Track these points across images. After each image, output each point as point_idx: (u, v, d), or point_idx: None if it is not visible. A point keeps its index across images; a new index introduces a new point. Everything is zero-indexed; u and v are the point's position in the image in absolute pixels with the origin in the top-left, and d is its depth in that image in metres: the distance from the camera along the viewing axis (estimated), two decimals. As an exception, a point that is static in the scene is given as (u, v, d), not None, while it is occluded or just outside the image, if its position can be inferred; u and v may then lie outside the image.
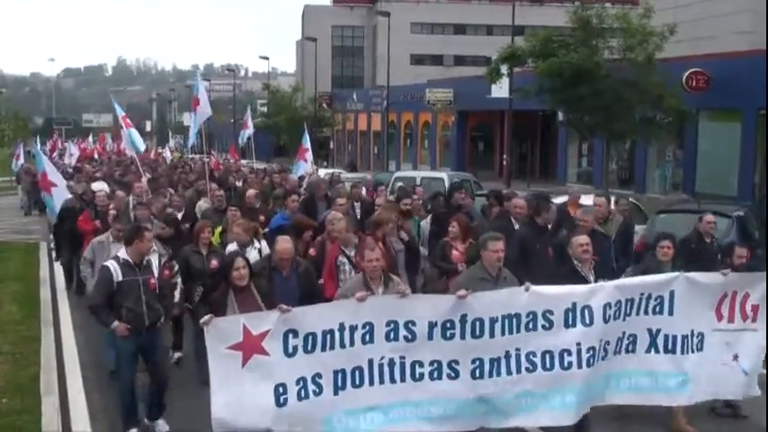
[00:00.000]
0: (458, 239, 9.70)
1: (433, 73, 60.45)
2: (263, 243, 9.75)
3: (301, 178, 19.50)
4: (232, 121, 74.57)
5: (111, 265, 7.56)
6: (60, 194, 15.46)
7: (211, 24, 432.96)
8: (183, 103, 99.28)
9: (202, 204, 14.30)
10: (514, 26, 35.18)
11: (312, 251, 9.43)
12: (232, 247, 9.40)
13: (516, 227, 10.20)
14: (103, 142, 50.79)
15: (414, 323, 6.38)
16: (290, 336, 6.19)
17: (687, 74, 28.68)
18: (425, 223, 11.93)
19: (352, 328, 6.30)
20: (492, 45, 35.98)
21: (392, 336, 6.38)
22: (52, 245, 17.90)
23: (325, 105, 62.01)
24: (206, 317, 6.19)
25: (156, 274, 7.76)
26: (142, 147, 18.91)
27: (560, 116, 31.30)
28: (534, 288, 6.60)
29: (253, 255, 9.13)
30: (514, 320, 6.52)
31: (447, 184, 21.10)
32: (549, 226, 10.00)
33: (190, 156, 40.74)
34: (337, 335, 6.27)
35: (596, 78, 24.92)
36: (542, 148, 47.19)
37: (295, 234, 9.20)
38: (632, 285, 7.06)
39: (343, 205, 11.41)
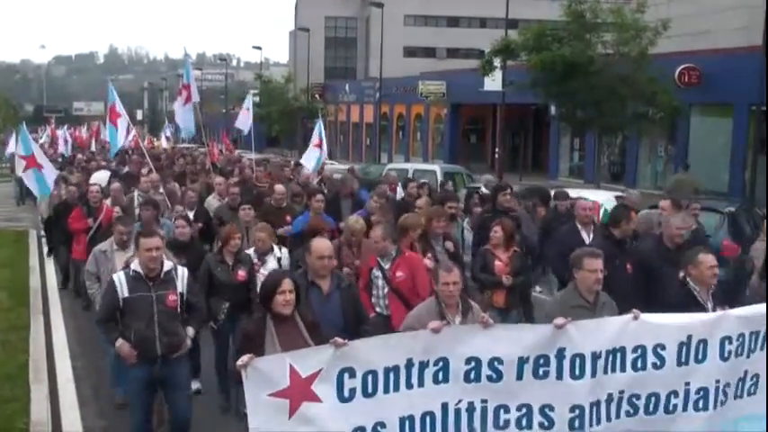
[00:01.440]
0: (500, 247, 8.66)
1: (426, 65, 60.35)
2: (285, 251, 8.80)
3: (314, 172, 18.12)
4: (224, 110, 74.42)
5: (117, 278, 6.43)
6: (49, 175, 13.82)
7: (203, 13, 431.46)
8: (175, 92, 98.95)
9: (212, 201, 12.98)
10: (508, 19, 35.11)
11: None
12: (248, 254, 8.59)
13: (584, 235, 9.11)
14: (98, 131, 49.78)
15: (500, 360, 5.28)
16: (346, 376, 5.03)
17: (680, 69, 28.74)
18: (467, 231, 10.44)
19: (423, 365, 5.19)
20: (485, 38, 35.89)
21: (472, 375, 5.27)
22: (42, 233, 17.37)
23: (317, 96, 61.88)
24: (244, 358, 4.93)
25: (179, 290, 6.45)
26: (115, 148, 16.16)
27: (553, 110, 31.31)
28: (644, 317, 5.53)
29: (271, 265, 8.32)
30: (619, 355, 5.44)
31: (440, 176, 21.14)
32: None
33: (179, 145, 40.48)
34: (404, 373, 5.15)
35: (589, 73, 24.92)
36: (534, 142, 47.23)
37: (307, 239, 8.04)
38: (759, 316, 5.74)
39: (379, 208, 10.46)
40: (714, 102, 29.17)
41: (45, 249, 16.22)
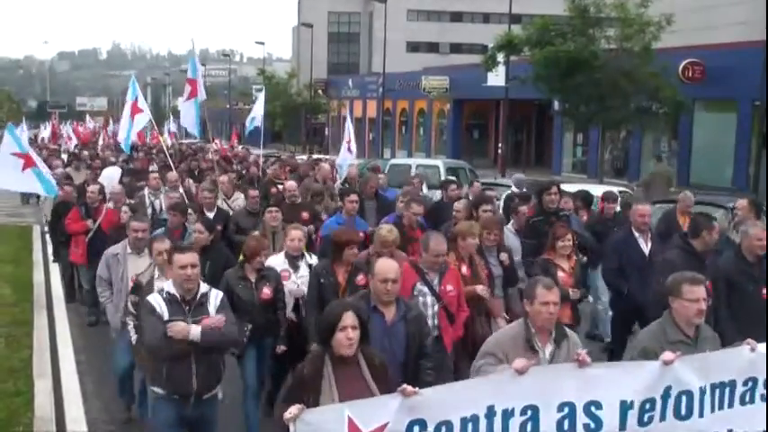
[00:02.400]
0: (563, 257, 7.82)
1: (429, 60, 60.27)
2: (315, 259, 7.84)
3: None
4: (228, 106, 74.44)
5: (155, 300, 5.45)
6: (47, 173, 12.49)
7: (207, 9, 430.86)
8: (178, 87, 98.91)
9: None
10: (511, 14, 35.04)
11: (362, 279, 6.81)
12: (277, 262, 7.56)
13: (641, 243, 8.40)
14: (106, 126, 49.09)
15: (598, 405, 4.53)
16: (416, 429, 4.33)
17: (683, 64, 28.69)
18: (512, 235, 9.25)
19: (507, 414, 4.43)
20: (488, 33, 35.85)
21: (566, 425, 4.51)
22: (46, 231, 17.04)
23: (320, 92, 61.86)
24: (293, 409, 4.15)
25: (214, 316, 5.51)
26: (126, 142, 15.97)
27: (556, 105, 31.28)
28: (760, 347, 4.88)
29: (303, 273, 7.50)
30: (727, 390, 4.82)
31: (443, 171, 21.12)
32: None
33: (183, 141, 40.45)
34: (484, 424, 4.40)
35: (593, 68, 24.90)
36: (537, 137, 47.18)
37: (334, 252, 7.24)
38: None
39: (416, 213, 9.29)
40: (718, 97, 29.12)
41: (50, 250, 15.25)
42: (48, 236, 15.33)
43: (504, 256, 8.06)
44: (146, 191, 12.31)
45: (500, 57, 29.18)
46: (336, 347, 4.51)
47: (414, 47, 70.63)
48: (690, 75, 28.86)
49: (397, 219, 9.36)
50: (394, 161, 26.42)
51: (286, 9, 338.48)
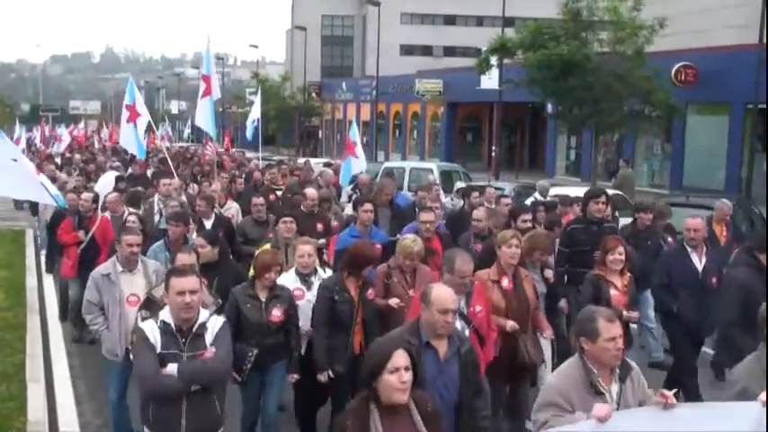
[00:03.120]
0: (615, 272, 7.05)
1: (423, 63, 60.34)
2: (329, 273, 7.20)
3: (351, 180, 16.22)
4: (221, 109, 74.42)
5: (149, 328, 4.81)
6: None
7: (200, 12, 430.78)
8: (172, 91, 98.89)
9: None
10: (504, 17, 35.14)
11: (371, 294, 6.63)
12: (287, 280, 6.83)
13: (695, 259, 7.76)
14: (99, 130, 48.49)
15: None
16: None
17: (676, 67, 28.80)
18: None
19: None
20: (482, 36, 35.98)
21: None
22: (38, 232, 16.26)
23: (314, 95, 61.85)
24: None
25: (210, 347, 4.85)
26: (139, 147, 15.17)
27: (549, 108, 31.33)
28: None
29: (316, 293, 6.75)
30: None
31: (437, 174, 21.14)
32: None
33: (176, 144, 40.36)
34: None
35: (586, 71, 24.94)
36: (531, 140, 47.27)
37: (349, 268, 6.61)
38: None
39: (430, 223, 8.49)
40: (710, 100, 29.23)
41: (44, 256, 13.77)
42: (41, 242, 14.86)
43: (548, 272, 7.64)
44: (155, 198, 11.39)
45: (493, 60, 29.23)
46: (386, 393, 3.77)
47: (407, 50, 70.66)
48: (682, 78, 28.96)
49: (416, 228, 8.69)
50: (388, 164, 26.40)
51: (280, 12, 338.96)
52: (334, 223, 10.60)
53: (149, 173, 18.20)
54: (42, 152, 32.57)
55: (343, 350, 6.54)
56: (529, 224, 8.68)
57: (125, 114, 14.36)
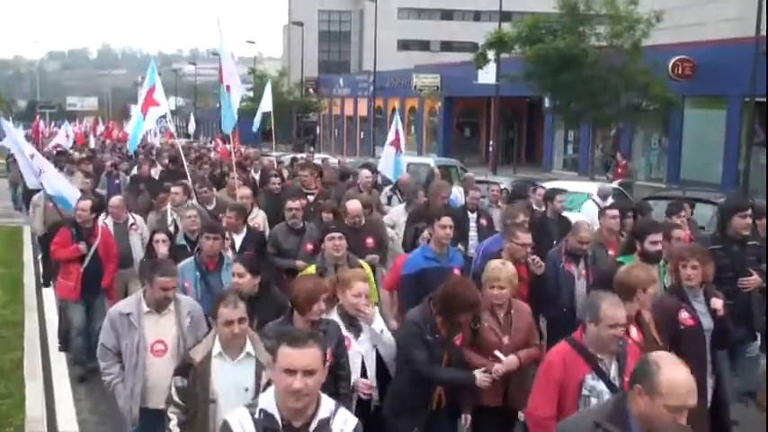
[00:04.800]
0: None
1: (420, 58, 60.29)
2: (376, 309, 5.61)
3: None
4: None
5: (239, 422, 3.38)
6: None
7: (196, 8, 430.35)
8: (169, 87, 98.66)
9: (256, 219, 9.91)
10: (502, 12, 35.13)
11: (459, 339, 5.36)
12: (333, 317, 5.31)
13: None
14: (95, 126, 47.34)
15: None
16: None
17: (673, 61, 28.79)
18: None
19: None
20: (479, 31, 35.93)
21: None
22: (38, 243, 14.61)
23: (311, 90, 61.79)
24: None
25: None
26: (132, 140, 13.36)
27: (547, 102, 31.35)
28: None
29: (365, 344, 5.37)
30: None
31: (434, 169, 21.12)
32: None
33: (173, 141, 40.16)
34: None
35: (583, 65, 24.95)
36: (528, 135, 47.26)
37: (446, 316, 5.24)
38: None
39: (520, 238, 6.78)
40: (707, 93, 29.22)
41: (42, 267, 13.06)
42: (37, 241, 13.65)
43: (717, 303, 5.65)
44: (168, 206, 9.87)
45: (491, 54, 29.25)
46: None
47: (404, 45, 70.64)
48: (679, 71, 28.96)
49: (500, 243, 7.20)
50: (385, 159, 26.36)
51: (276, 8, 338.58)
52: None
53: (154, 172, 16.76)
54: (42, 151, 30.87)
55: (422, 407, 5.29)
56: (659, 247, 6.56)
57: (140, 101, 12.48)
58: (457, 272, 6.72)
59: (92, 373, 8.17)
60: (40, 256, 13.56)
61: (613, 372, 4.32)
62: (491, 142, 39.10)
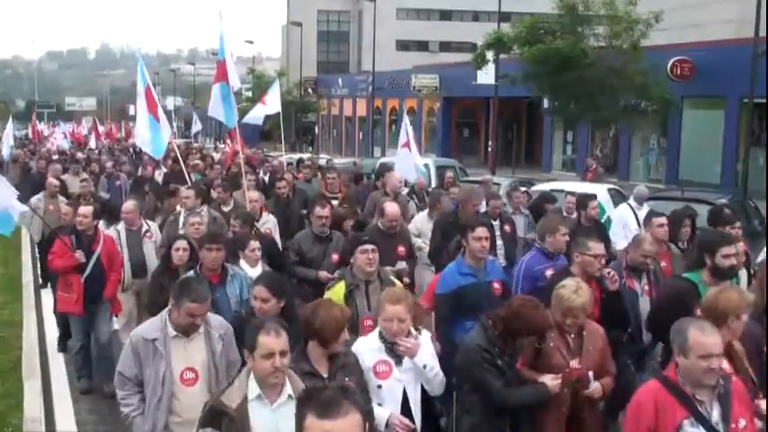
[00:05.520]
0: None
1: (419, 59, 60.28)
2: (426, 334, 4.91)
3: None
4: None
5: None
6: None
7: (195, 8, 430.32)
8: (168, 87, 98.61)
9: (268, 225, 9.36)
10: (501, 12, 35.11)
11: (521, 362, 4.93)
12: (368, 346, 4.75)
13: None
14: (96, 127, 46.77)
15: None
16: None
17: (672, 62, 28.83)
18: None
19: None
20: (478, 31, 35.88)
21: None
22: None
23: (310, 91, 61.78)
24: None
25: None
26: (155, 143, 11.57)
27: (546, 103, 31.35)
28: None
29: (407, 374, 4.72)
30: None
31: (433, 170, 21.11)
32: None
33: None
34: None
35: (582, 65, 24.96)
36: (527, 135, 47.26)
37: (507, 340, 4.79)
38: None
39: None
40: (706, 94, 29.26)
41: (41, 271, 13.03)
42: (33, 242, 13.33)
43: None
44: (181, 211, 9.22)
45: (490, 55, 29.24)
46: None
47: (403, 45, 70.63)
48: (678, 72, 29.00)
49: (565, 264, 6.46)
50: (383, 159, 26.38)
51: (275, 8, 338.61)
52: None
53: (158, 175, 16.47)
54: (44, 151, 29.56)
55: None
56: (734, 261, 5.80)
57: (142, 103, 11.50)
58: (497, 286, 6.21)
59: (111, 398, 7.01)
60: (39, 265, 13.28)
61: (716, 416, 3.72)
62: (490, 143, 39.08)
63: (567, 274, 5.60)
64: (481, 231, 6.23)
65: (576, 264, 6.03)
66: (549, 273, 6.41)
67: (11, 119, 33.05)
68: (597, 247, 5.94)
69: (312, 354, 4.34)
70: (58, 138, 34.88)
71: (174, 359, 4.71)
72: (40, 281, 12.75)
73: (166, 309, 4.86)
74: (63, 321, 9.33)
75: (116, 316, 8.82)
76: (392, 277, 6.25)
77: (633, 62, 24.84)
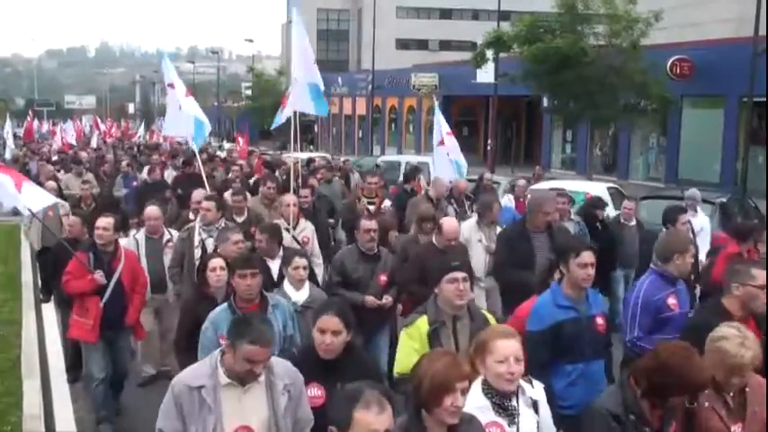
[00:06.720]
0: None
1: (419, 57, 60.28)
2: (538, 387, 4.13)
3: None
4: (215, 104, 74.23)
5: None
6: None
7: (195, 7, 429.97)
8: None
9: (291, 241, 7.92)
10: (500, 11, 35.12)
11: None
12: (473, 402, 3.67)
13: None
14: (97, 124, 46.17)
15: None
16: None
17: (671, 61, 28.82)
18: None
19: None
20: (477, 30, 35.90)
21: None
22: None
23: (310, 89, 61.79)
24: None
25: None
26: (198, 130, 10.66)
27: (545, 102, 31.35)
28: None
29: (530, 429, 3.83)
30: None
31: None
32: None
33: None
34: None
35: (581, 64, 24.95)
36: (527, 134, 47.26)
37: (654, 401, 3.77)
38: None
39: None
40: (706, 93, 29.26)
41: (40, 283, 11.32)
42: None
43: None
44: (197, 224, 7.92)
45: (489, 54, 29.22)
46: None
47: (403, 44, 70.64)
48: (678, 71, 28.99)
49: (671, 278, 5.59)
50: (383, 158, 26.42)
51: (275, 6, 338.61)
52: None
53: (167, 176, 15.45)
54: (44, 152, 28.85)
55: None
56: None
57: (173, 94, 10.55)
58: (600, 321, 5.10)
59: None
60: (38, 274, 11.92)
61: None
62: (489, 141, 39.08)
63: (718, 311, 4.63)
64: (587, 257, 5.03)
65: (733, 297, 4.84)
66: (671, 301, 5.42)
67: (8, 118, 32.91)
68: (762, 276, 4.72)
69: (427, 421, 3.31)
70: (69, 138, 33.82)
71: (225, 414, 3.78)
72: (41, 295, 11.24)
73: (218, 350, 3.95)
74: (74, 349, 8.12)
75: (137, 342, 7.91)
76: (484, 311, 5.25)
77: (633, 61, 24.82)
